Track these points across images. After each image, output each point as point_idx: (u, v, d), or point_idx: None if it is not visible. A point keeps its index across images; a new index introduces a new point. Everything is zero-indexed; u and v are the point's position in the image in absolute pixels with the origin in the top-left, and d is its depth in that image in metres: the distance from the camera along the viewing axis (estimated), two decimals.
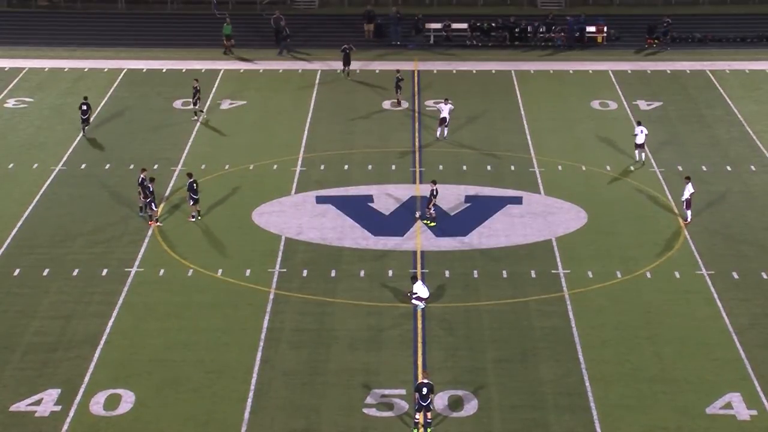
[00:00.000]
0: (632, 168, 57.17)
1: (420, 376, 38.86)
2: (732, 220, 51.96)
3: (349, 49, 70.53)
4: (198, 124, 63.22)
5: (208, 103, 66.54)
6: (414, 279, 44.64)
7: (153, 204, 51.17)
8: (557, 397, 38.64)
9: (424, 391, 36.35)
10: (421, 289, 43.86)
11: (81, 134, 61.29)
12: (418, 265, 46.94)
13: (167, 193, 54.03)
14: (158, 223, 50.81)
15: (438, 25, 78.98)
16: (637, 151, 57.83)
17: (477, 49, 77.49)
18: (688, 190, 50.84)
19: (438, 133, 60.91)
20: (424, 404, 36.41)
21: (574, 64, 74.10)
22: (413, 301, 43.93)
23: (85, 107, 61.46)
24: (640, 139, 57.44)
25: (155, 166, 56.35)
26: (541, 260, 48.10)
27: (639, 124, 57.99)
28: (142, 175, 51.28)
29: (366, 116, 65.00)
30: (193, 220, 51.34)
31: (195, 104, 63.57)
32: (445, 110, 60.41)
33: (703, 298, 45.18)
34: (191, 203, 51.38)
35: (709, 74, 72.01)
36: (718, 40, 78.92)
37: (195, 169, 56.42)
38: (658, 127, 63.15)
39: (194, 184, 51.27)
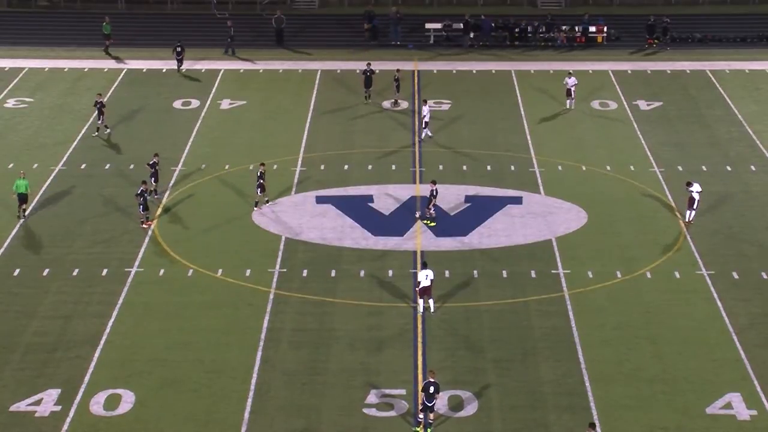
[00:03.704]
0: (565, 111, 64.79)
1: (422, 376, 38.89)
2: (732, 220, 51.94)
3: (370, 72, 66.77)
4: (198, 123, 63.21)
5: (208, 102, 66.56)
6: (424, 266, 44.16)
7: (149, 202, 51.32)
8: (557, 397, 38.63)
9: (431, 390, 36.36)
10: (422, 277, 43.46)
11: (177, 71, 71.17)
12: (419, 265, 46.90)
13: (167, 193, 54.04)
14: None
15: (438, 25, 78.96)
16: (567, 100, 65.11)
17: (477, 49, 77.47)
18: (696, 190, 50.67)
19: (422, 135, 60.74)
20: (430, 404, 36.41)
21: (574, 64, 74.01)
22: (415, 303, 43.98)
23: (179, 49, 70.82)
24: (569, 86, 65.11)
25: None
26: (541, 260, 48.08)
27: (570, 75, 65.46)
28: (154, 159, 53.17)
29: (366, 116, 64.97)
30: (257, 209, 52.06)
31: (100, 119, 61.07)
32: (425, 111, 60.29)
33: (703, 298, 45.17)
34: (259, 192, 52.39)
35: (709, 74, 71.98)
36: (718, 40, 78.89)
37: (195, 168, 56.49)
38: (658, 127, 63.17)
39: (257, 173, 52.24)
